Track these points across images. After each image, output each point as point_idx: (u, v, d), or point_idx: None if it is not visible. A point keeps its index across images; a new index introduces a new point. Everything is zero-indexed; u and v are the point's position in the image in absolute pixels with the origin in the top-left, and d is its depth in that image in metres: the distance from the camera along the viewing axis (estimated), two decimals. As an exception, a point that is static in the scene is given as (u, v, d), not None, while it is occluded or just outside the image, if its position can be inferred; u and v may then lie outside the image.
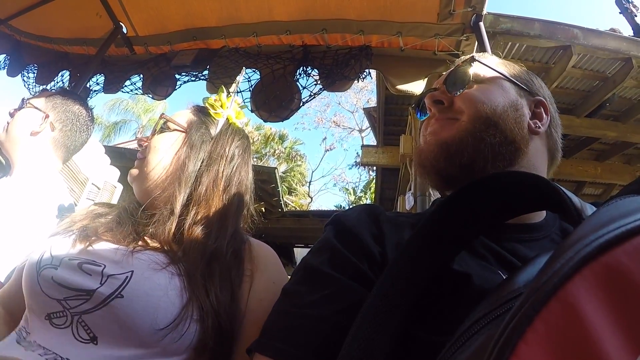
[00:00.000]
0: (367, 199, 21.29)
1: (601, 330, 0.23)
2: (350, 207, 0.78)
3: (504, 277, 0.56)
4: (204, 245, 0.91)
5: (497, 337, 0.26)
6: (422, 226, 0.52)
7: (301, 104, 2.64)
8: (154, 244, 0.92)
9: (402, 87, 2.23)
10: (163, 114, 1.14)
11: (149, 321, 0.75)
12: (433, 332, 0.50)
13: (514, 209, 0.51)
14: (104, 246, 0.87)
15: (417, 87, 2.18)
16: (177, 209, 0.96)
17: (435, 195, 4.24)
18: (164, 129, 1.09)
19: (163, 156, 1.03)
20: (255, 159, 18.99)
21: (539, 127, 0.79)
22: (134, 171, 1.06)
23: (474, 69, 0.82)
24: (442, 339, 0.39)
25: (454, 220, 0.51)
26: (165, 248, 0.90)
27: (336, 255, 0.67)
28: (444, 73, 0.87)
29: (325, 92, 2.51)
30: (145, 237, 0.94)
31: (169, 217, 0.95)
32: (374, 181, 11.83)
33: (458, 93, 0.80)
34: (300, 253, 12.28)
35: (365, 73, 2.37)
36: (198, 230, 0.94)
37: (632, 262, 0.25)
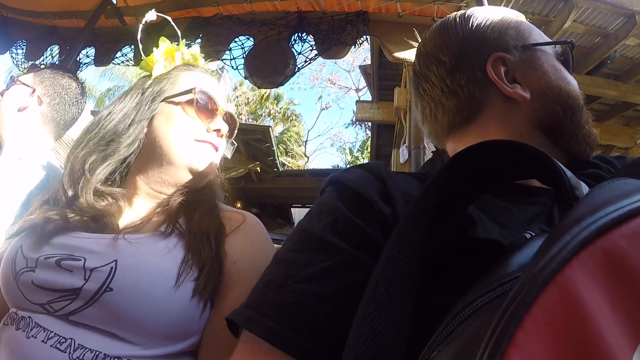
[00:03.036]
0: (364, 158, 21.30)
1: (600, 317, 0.22)
2: (347, 167, 0.71)
3: (527, 237, 0.54)
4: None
5: (494, 325, 0.24)
6: (428, 188, 0.48)
7: (296, 70, 2.60)
8: (138, 218, 0.88)
9: (400, 54, 2.18)
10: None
11: (145, 306, 0.72)
12: (454, 298, 0.45)
13: (515, 175, 0.49)
14: (79, 236, 0.81)
15: (414, 54, 2.13)
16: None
17: (430, 148, 4.23)
18: None
19: None
20: (250, 120, 18.82)
21: None
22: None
23: None
24: None
25: (461, 179, 0.48)
26: (156, 218, 0.87)
27: (340, 220, 0.58)
28: None
29: (322, 50, 2.46)
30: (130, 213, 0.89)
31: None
32: (370, 139, 11.78)
33: None
34: (298, 213, 12.32)
35: (362, 39, 2.32)
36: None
37: (630, 246, 0.24)
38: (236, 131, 1.04)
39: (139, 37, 1.08)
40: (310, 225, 0.60)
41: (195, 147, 0.92)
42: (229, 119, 1.01)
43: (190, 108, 0.93)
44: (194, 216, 0.86)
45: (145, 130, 0.92)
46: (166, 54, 1.02)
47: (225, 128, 0.98)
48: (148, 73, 1.01)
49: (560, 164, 0.40)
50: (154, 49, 1.01)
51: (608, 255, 0.24)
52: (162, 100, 0.93)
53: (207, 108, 0.95)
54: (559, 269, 0.24)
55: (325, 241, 0.56)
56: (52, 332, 0.73)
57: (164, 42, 1.02)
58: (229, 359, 0.59)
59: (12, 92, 1.44)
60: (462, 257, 0.51)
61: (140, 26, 1.10)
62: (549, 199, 0.66)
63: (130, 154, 0.90)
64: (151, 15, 1.10)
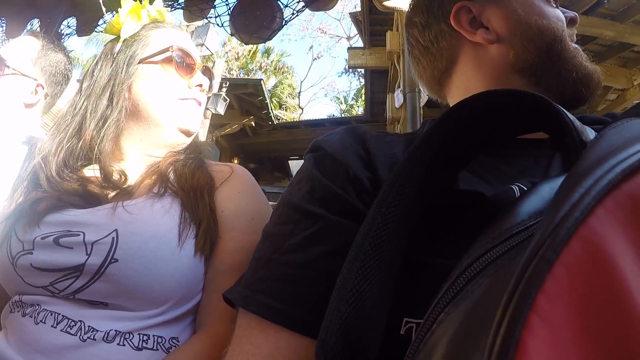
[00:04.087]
0: (359, 106, 21.04)
1: (630, 276, 0.19)
2: (332, 131, 0.68)
3: (518, 193, 0.52)
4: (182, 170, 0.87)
5: (512, 287, 0.21)
6: (419, 144, 0.45)
7: (284, 23, 2.52)
8: (129, 184, 0.86)
9: (390, 3, 2.14)
10: None
11: (154, 271, 0.71)
12: (444, 256, 0.44)
13: (511, 130, 0.47)
14: (73, 212, 0.79)
15: (403, 2, 2.07)
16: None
17: (424, 91, 4.16)
18: None
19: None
20: (242, 75, 18.38)
21: None
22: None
23: None
24: (455, 262, 0.35)
25: (452, 137, 0.46)
26: (147, 180, 0.86)
27: (317, 188, 0.57)
28: None
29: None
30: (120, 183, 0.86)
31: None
32: (364, 86, 11.58)
33: None
34: (296, 165, 12.26)
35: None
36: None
37: None
38: (214, 83, 1.03)
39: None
40: (291, 196, 0.60)
41: (180, 106, 0.92)
42: (207, 72, 1.00)
43: (169, 66, 0.91)
44: (183, 174, 0.86)
45: (126, 96, 0.89)
46: (132, 13, 0.98)
47: (206, 82, 0.97)
48: (114, 37, 0.97)
49: (559, 106, 0.38)
50: (118, 9, 0.97)
51: (635, 201, 0.21)
52: (138, 63, 0.90)
53: (185, 64, 0.93)
54: (583, 218, 0.21)
55: (305, 210, 0.56)
56: (60, 314, 0.71)
57: (126, 1, 0.98)
58: (224, 310, 0.61)
59: (12, 83, 1.32)
60: (446, 213, 0.50)
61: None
62: (542, 150, 0.65)
63: (119, 124, 0.88)
64: None
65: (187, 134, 0.93)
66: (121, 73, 0.89)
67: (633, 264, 0.19)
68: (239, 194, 0.87)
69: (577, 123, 0.36)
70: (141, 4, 1.00)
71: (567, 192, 0.23)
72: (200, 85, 0.95)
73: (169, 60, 0.91)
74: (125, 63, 0.90)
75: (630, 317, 0.18)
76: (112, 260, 0.70)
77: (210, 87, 1.03)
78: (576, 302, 0.19)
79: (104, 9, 1.02)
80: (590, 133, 0.36)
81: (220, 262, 0.80)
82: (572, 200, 0.22)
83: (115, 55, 0.92)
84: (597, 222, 0.21)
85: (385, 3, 2.10)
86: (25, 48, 1.40)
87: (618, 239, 0.20)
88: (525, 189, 0.52)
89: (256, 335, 0.52)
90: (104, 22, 2.54)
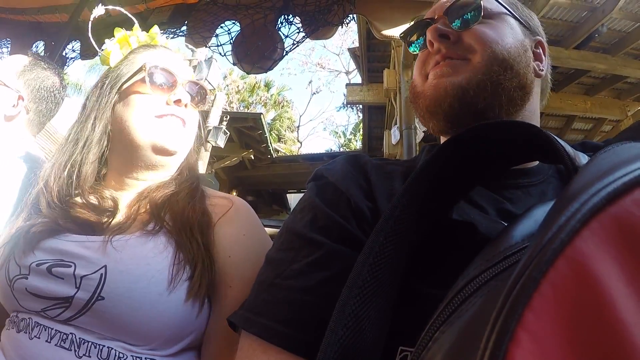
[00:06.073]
0: (357, 140, 21.25)
1: (615, 293, 0.20)
2: (334, 159, 0.70)
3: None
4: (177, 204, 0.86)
5: (500, 305, 0.22)
6: (414, 179, 0.47)
7: (284, 54, 2.58)
8: (123, 216, 0.85)
9: (388, 32, 2.17)
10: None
11: (139, 313, 0.71)
12: (439, 286, 0.44)
13: (507, 160, 0.49)
14: (68, 239, 0.80)
15: (401, 31, 2.12)
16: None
17: (420, 128, 4.23)
18: None
19: None
20: (242, 108, 18.63)
21: (542, 70, 0.75)
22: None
23: (484, 2, 0.72)
24: (446, 291, 0.36)
25: (448, 170, 0.48)
26: (144, 215, 0.85)
27: (319, 216, 0.60)
28: (442, 1, 0.76)
29: (310, 35, 2.44)
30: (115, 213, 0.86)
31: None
32: (362, 121, 11.75)
33: (466, 28, 0.71)
34: (294, 199, 12.29)
35: (349, 18, 2.31)
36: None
37: None
38: (207, 98, 0.99)
39: (89, 33, 1.07)
40: (293, 223, 0.63)
41: (157, 123, 0.88)
42: (194, 86, 0.96)
43: (144, 85, 0.90)
44: (176, 208, 0.84)
45: (110, 121, 0.89)
46: (120, 41, 1.00)
47: (185, 97, 0.91)
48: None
49: (550, 133, 0.39)
50: (107, 39, 0.99)
51: (620, 223, 0.22)
52: (120, 87, 0.91)
53: (162, 81, 0.91)
54: (568, 240, 0.22)
55: (307, 237, 0.59)
56: (52, 329, 0.72)
57: (118, 32, 1.00)
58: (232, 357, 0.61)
59: None
60: (442, 243, 0.52)
61: (90, 23, 1.08)
62: (534, 178, 0.67)
63: (104, 150, 0.89)
64: (99, 10, 1.08)
65: (164, 152, 0.89)
66: (104, 97, 0.90)
67: (618, 282, 0.20)
68: (245, 236, 0.86)
69: (569, 149, 0.38)
70: (131, 30, 1.02)
71: (555, 215, 0.25)
72: (179, 101, 0.91)
73: (142, 79, 0.90)
74: (109, 87, 0.91)
75: (614, 329, 0.19)
76: (99, 298, 0.71)
77: (203, 100, 0.99)
78: (562, 317, 0.20)
79: (93, 42, 1.04)
80: (583, 158, 0.38)
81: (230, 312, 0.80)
82: (559, 223, 0.23)
83: (103, 82, 0.94)
84: (583, 243, 0.22)
85: (384, 32, 2.15)
86: (13, 63, 1.40)
87: (603, 258, 0.21)
88: None
89: (258, 356, 0.53)
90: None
